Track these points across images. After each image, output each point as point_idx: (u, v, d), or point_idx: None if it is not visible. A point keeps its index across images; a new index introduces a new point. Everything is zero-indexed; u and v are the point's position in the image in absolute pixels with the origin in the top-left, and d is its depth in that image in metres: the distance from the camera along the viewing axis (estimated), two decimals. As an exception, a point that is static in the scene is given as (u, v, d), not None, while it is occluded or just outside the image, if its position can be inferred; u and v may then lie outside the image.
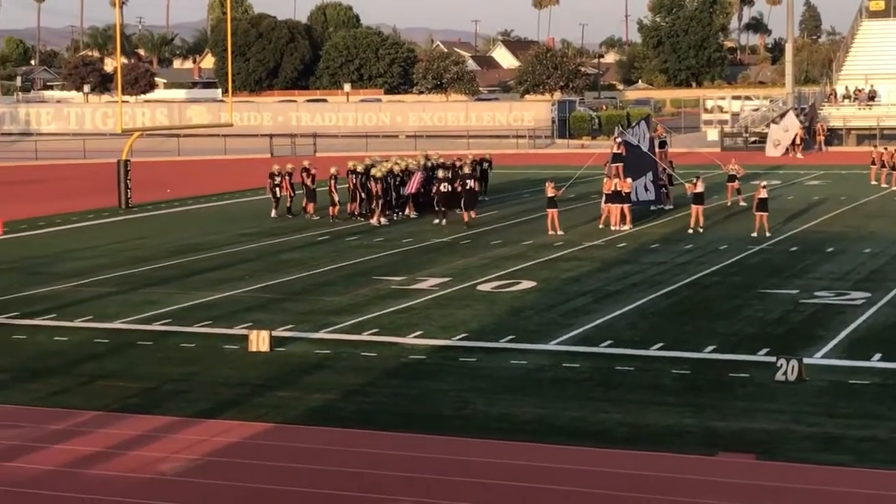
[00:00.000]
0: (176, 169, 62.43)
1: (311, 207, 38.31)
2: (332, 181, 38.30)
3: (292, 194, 39.33)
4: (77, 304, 24.07)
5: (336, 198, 37.45)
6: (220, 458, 14.20)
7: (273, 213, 39.11)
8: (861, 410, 15.60)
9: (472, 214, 35.79)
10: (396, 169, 37.65)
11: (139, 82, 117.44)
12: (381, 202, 36.49)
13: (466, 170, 36.78)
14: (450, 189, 36.50)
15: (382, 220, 36.31)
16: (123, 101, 50.51)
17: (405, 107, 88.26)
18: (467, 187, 35.94)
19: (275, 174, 39.52)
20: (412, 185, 37.71)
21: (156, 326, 21.80)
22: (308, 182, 38.43)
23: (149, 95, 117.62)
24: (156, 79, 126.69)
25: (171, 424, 15.55)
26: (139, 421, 15.73)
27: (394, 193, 37.29)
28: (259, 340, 19.60)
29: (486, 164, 42.19)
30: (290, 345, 20.02)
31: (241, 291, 25.28)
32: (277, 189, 39.38)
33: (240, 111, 76.99)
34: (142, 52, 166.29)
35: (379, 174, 36.69)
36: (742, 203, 38.31)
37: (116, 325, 22.02)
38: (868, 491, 12.73)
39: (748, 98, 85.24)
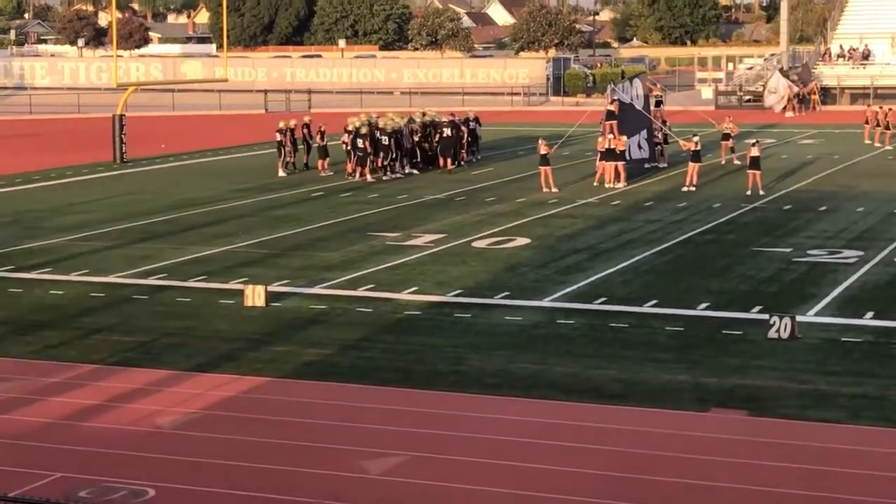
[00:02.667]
0: (171, 124, 62.22)
1: (321, 164, 38.14)
2: (347, 136, 37.49)
3: (293, 149, 39.04)
4: (72, 259, 24.04)
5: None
6: (217, 411, 14.24)
7: (281, 172, 38.54)
8: (853, 368, 15.67)
9: (450, 163, 37.30)
10: (401, 124, 37.72)
11: (133, 37, 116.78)
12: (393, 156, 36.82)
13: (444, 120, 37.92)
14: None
15: (396, 173, 36.64)
16: (118, 56, 50.20)
17: (400, 63, 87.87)
18: (444, 135, 37.92)
19: (282, 130, 39.06)
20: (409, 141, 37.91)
21: (151, 281, 21.79)
22: (318, 139, 38.28)
23: (143, 50, 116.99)
24: (150, 33, 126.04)
25: (167, 378, 15.58)
26: (135, 374, 15.76)
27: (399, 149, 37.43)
28: (254, 295, 19.60)
29: (472, 124, 41.83)
30: (286, 300, 20.03)
31: (237, 246, 25.26)
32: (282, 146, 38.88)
33: (234, 66, 76.59)
34: (136, 6, 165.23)
35: (389, 129, 36.83)
36: (736, 162, 38.28)
37: (112, 279, 22.01)
38: (859, 447, 12.79)
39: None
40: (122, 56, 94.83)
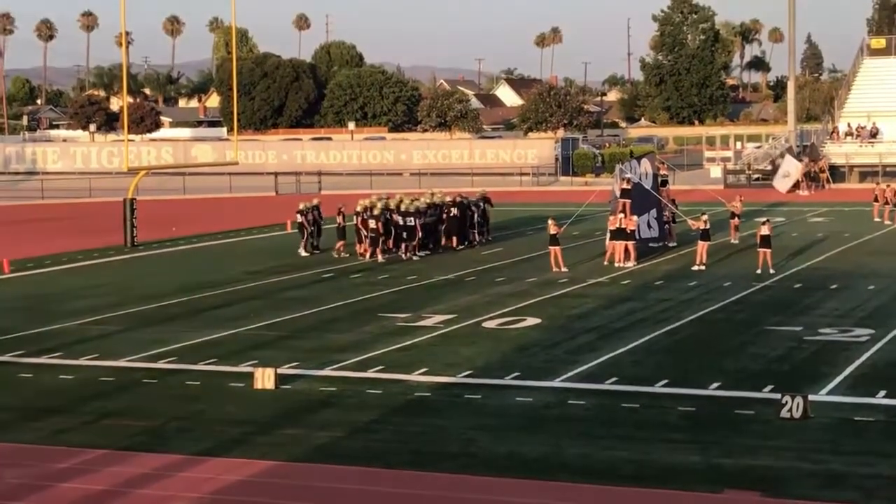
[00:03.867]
0: (181, 207, 62.57)
1: (339, 246, 38.34)
2: (358, 218, 37.59)
3: (309, 230, 39.22)
4: (83, 343, 24.07)
5: (363, 234, 37.29)
6: (226, 496, 14.17)
7: (302, 252, 38.74)
8: (866, 447, 15.56)
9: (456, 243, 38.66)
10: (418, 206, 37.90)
11: (145, 121, 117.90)
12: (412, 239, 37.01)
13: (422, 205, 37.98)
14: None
15: (413, 256, 36.84)
16: (129, 140, 50.65)
17: (409, 145, 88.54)
18: (451, 215, 39.17)
19: (303, 211, 39.29)
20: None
21: (161, 364, 21.79)
22: (340, 220, 38.54)
23: (154, 134, 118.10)
24: (161, 118, 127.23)
25: (177, 463, 15.52)
26: (145, 459, 15.70)
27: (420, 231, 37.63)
28: (264, 378, 19.58)
29: (483, 204, 42.08)
30: (296, 382, 20.01)
31: (247, 329, 25.28)
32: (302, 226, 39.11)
33: (245, 150, 77.24)
34: (147, 91, 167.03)
35: (413, 209, 37.08)
36: (733, 241, 38.32)
37: (122, 363, 22.02)
38: (875, 528, 12.67)
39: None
40: (133, 140, 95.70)
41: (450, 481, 14.53)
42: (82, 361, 22.19)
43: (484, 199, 42.12)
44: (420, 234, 37.24)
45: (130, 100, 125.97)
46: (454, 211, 39.35)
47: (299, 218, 39.24)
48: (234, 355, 22.39)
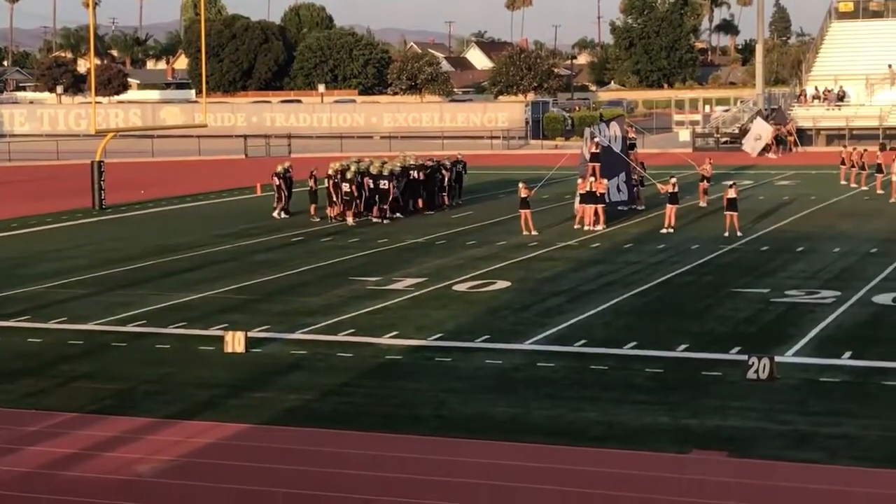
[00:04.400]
0: (150, 170, 62.22)
1: (311, 209, 38.24)
2: (330, 181, 37.59)
3: (283, 194, 39.09)
4: (51, 306, 23.97)
5: (334, 198, 37.23)
6: (197, 459, 14.18)
7: (278, 214, 38.80)
8: (832, 408, 15.72)
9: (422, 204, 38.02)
10: (387, 169, 37.81)
11: (112, 83, 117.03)
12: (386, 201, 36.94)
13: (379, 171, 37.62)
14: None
15: (384, 219, 36.75)
16: (97, 102, 50.26)
17: (380, 108, 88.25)
18: (411, 178, 38.65)
19: (279, 174, 39.14)
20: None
21: (130, 328, 21.73)
22: (312, 183, 38.42)
23: (122, 96, 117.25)
24: (129, 80, 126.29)
25: (146, 426, 15.51)
26: (115, 422, 15.68)
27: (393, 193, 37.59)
28: (235, 341, 19.57)
29: (459, 167, 42.15)
30: (266, 346, 20.00)
31: (217, 292, 25.23)
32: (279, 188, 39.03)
33: (214, 112, 76.77)
34: (115, 52, 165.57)
35: (386, 172, 37.01)
36: (702, 204, 38.49)
37: (91, 326, 21.94)
38: (838, 488, 12.82)
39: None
40: (100, 102, 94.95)
41: (421, 443, 14.59)
42: (51, 325, 22.10)
43: (458, 161, 42.18)
44: (392, 196, 37.14)
45: (98, 62, 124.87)
46: (414, 174, 39.06)
47: (276, 181, 39.06)
48: (204, 319, 22.36)
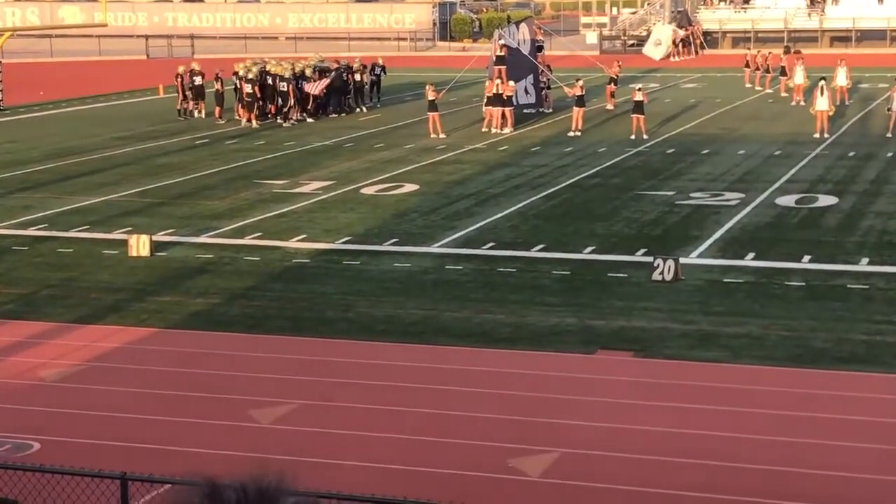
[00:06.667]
0: (49, 70, 60.69)
1: (217, 111, 37.59)
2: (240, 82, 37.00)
3: (181, 97, 38.43)
4: (-52, 210, 23.40)
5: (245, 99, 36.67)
6: (101, 363, 14.04)
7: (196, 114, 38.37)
8: (735, 308, 16.01)
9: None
10: (298, 70, 37.19)
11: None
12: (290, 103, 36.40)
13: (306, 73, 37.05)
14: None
15: (286, 122, 36.18)
16: (-8, 0, 48.72)
17: (284, 7, 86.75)
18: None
19: (180, 74, 38.38)
20: (318, 88, 37.24)
21: (31, 231, 21.32)
22: (218, 85, 37.75)
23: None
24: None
25: (49, 330, 15.30)
26: (17, 327, 15.45)
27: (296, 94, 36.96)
28: (139, 245, 19.30)
29: (378, 69, 41.89)
30: (171, 249, 19.77)
31: (119, 196, 24.82)
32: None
33: (114, 11, 74.86)
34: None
35: (287, 74, 36.37)
36: (609, 107, 38.59)
37: (-10, 230, 21.48)
38: (742, 386, 13.10)
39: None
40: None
41: (329, 346, 14.59)
42: (-52, 229, 21.60)
43: (376, 65, 41.89)
44: (293, 99, 36.58)
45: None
46: (308, 73, 37.75)
47: (198, 81, 38.18)
48: (107, 222, 22.00)
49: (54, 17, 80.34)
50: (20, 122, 38.97)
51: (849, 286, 16.94)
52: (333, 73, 37.90)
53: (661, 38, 63.39)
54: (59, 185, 26.20)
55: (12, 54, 58.87)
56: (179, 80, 38.36)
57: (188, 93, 38.34)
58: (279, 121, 36.41)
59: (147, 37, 72.47)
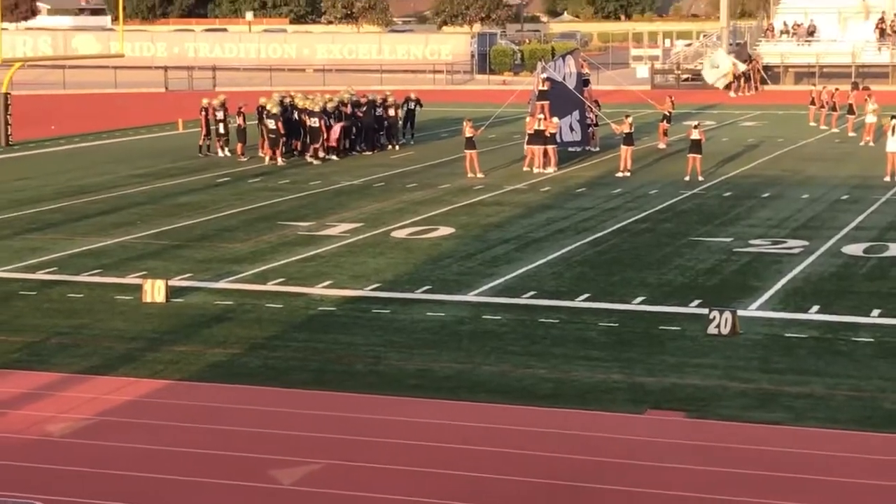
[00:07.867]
0: (61, 103, 61.40)
1: (239, 148, 37.91)
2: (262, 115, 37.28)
3: (205, 132, 38.73)
4: (-48, 251, 23.65)
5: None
6: (112, 417, 14.08)
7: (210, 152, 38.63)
8: (797, 366, 15.89)
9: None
10: (330, 106, 37.44)
11: (19, 7, 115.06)
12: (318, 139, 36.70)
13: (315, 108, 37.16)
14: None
15: (315, 159, 36.29)
16: (3, 29, 49.45)
17: (313, 38, 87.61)
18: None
19: (204, 108, 38.72)
20: (333, 137, 37.39)
21: (40, 275, 21.50)
22: (241, 120, 38.09)
23: (31, 23, 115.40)
24: (38, 4, 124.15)
25: (58, 381, 15.38)
26: (24, 378, 15.53)
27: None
28: (154, 290, 19.42)
29: (412, 104, 42.21)
30: (188, 295, 19.88)
31: (134, 237, 25.02)
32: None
33: (131, 41, 75.83)
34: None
35: (317, 109, 36.66)
36: (661, 146, 38.76)
37: (-4, 273, 21.69)
38: (804, 450, 12.98)
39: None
40: (6, 29, 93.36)
41: (356, 401, 14.58)
42: (-48, 272, 21.82)
43: (410, 98, 42.18)
44: (325, 135, 36.87)
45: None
46: (344, 109, 38.22)
47: (220, 115, 38.41)
48: (121, 266, 22.17)
49: (68, 47, 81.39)
50: (30, 157, 39.41)
51: (922, 342, 16.80)
52: (345, 121, 37.85)
53: (718, 63, 63.70)
54: (71, 226, 26.44)
55: (23, 86, 59.64)
56: (204, 113, 38.65)
57: (214, 127, 38.58)
58: (308, 158, 36.62)
59: (166, 68, 73.26)
